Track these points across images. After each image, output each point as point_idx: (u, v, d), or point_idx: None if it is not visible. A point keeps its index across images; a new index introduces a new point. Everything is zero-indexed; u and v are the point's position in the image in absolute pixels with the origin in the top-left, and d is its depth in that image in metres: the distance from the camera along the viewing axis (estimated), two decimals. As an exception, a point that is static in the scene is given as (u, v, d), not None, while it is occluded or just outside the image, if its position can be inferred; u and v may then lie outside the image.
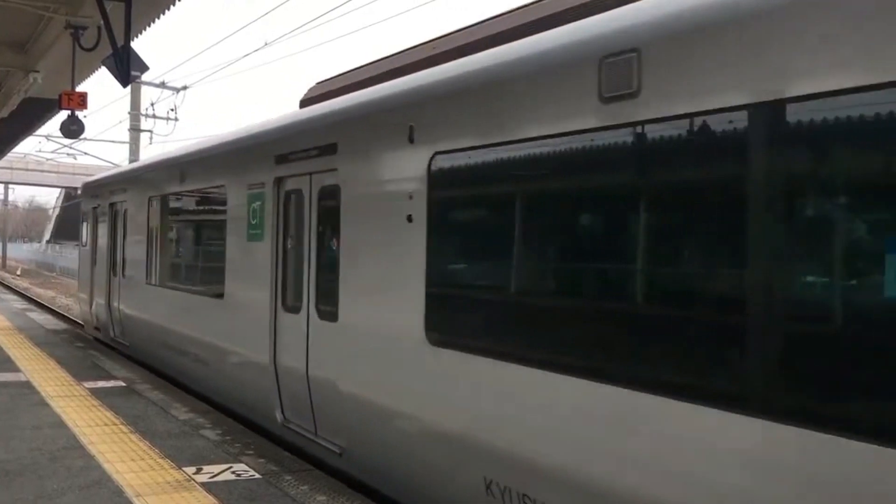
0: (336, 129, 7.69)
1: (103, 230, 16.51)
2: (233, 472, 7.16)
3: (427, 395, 6.18)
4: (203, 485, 6.76)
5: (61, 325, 19.96)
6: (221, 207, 10.31)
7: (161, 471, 7.15)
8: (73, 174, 70.49)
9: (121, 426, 8.80)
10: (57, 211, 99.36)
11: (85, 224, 18.39)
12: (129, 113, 30.15)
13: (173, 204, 12.87)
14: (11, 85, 18.34)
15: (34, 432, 8.38)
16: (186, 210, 12.50)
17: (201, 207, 11.84)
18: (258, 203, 9.12)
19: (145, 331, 13.65)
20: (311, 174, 8.10)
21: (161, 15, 13.46)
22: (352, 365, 7.23)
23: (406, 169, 6.44)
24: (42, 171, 67.52)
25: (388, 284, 6.69)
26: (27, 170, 66.59)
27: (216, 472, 7.17)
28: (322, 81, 9.80)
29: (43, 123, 26.11)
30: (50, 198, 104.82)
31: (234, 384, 9.87)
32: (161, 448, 7.90)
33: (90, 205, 17.86)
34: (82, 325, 19.60)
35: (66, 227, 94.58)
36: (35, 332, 17.39)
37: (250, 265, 9.30)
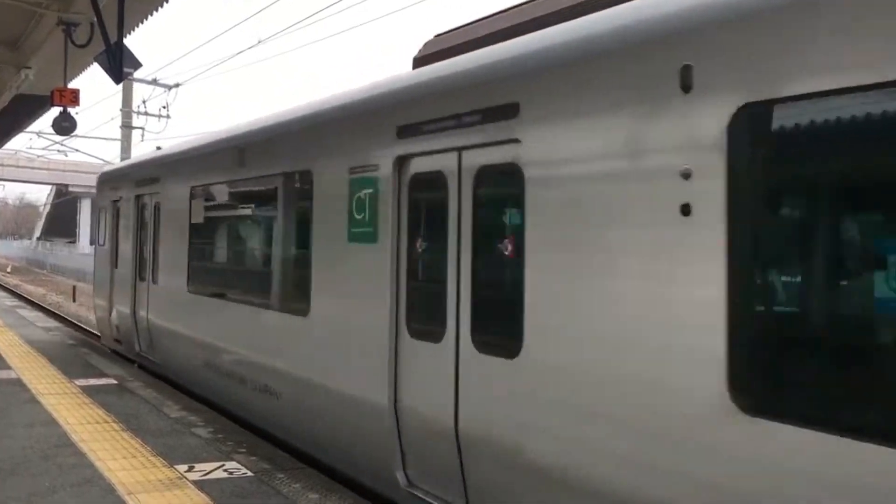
0: (518, 83, 5.38)
1: (127, 227, 14.13)
2: (225, 470, 7.16)
3: (738, 492, 3.89)
4: (195, 483, 6.76)
5: (52, 322, 19.89)
6: (304, 198, 8.08)
7: (153, 469, 7.15)
8: (64, 171, 70.38)
9: (112, 424, 8.78)
10: (48, 208, 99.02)
11: (102, 220, 16.07)
12: (120, 110, 30.06)
13: (228, 195, 10.44)
14: (3, 81, 18.26)
15: (26, 430, 8.35)
16: (248, 202, 9.96)
17: (270, 199, 9.28)
18: (368, 192, 6.89)
19: (185, 349, 11.29)
20: (461, 150, 5.90)
21: (154, 12, 13.42)
22: (557, 423, 4.95)
23: (675, 133, 4.27)
24: (33, 167, 67.33)
25: (634, 309, 4.48)
26: (18, 166, 66.38)
27: (208, 469, 7.16)
28: (441, 34, 7.71)
29: (34, 120, 26.02)
30: (41, 195, 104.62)
31: (323, 426, 7.61)
32: (153, 446, 7.89)
33: (109, 198, 15.47)
34: (98, 336, 17.45)
35: (57, 225, 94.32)
36: (26, 330, 17.32)
37: (353, 274, 7.07)
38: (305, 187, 8.05)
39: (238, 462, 7.43)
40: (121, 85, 23.22)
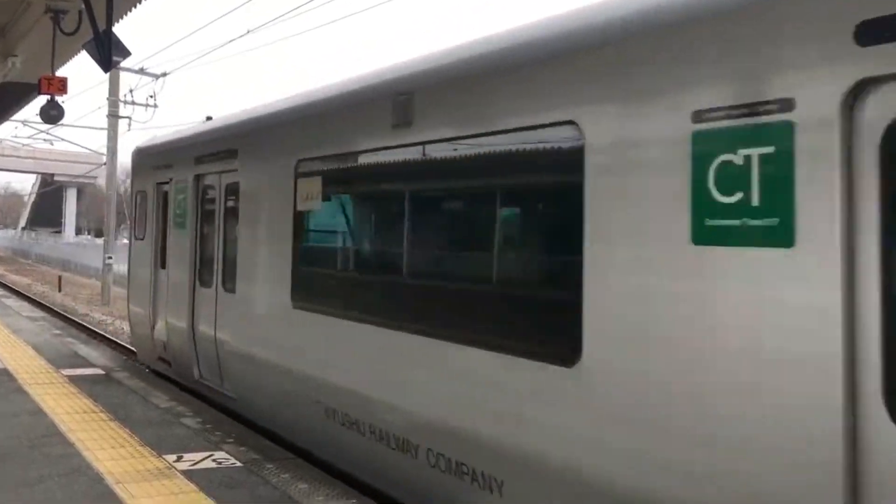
0: None
1: (181, 216, 10.95)
2: (213, 460, 7.15)
3: None
4: (184, 472, 6.76)
5: (38, 312, 19.80)
6: (557, 170, 5.17)
7: (141, 458, 7.13)
8: (50, 160, 69.90)
9: (100, 414, 8.75)
10: (33, 197, 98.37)
11: (142, 207, 12.73)
12: (107, 99, 29.87)
13: (376, 169, 7.03)
14: (-11, 69, 18.11)
15: (12, 420, 8.31)
16: (417, 179, 6.55)
17: (470, 173, 6.02)
18: (761, 152, 3.89)
19: (286, 386, 8.06)
20: None
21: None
22: None
23: None
24: (18, 156, 66.84)
25: None
26: (3, 155, 65.89)
27: (197, 459, 7.15)
28: None
29: (21, 108, 25.84)
30: (26, 184, 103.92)
31: None
32: (141, 436, 7.87)
33: (153, 179, 12.19)
34: (134, 352, 14.31)
35: (42, 214, 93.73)
36: (11, 320, 17.22)
37: (709, 301, 4.09)
38: (559, 150, 5.10)
39: (227, 452, 7.42)
40: (107, 74, 23.07)
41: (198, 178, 10.55)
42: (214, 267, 9.88)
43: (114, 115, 29.84)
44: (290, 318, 7.93)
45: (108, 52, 12.04)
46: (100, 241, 40.41)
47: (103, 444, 7.51)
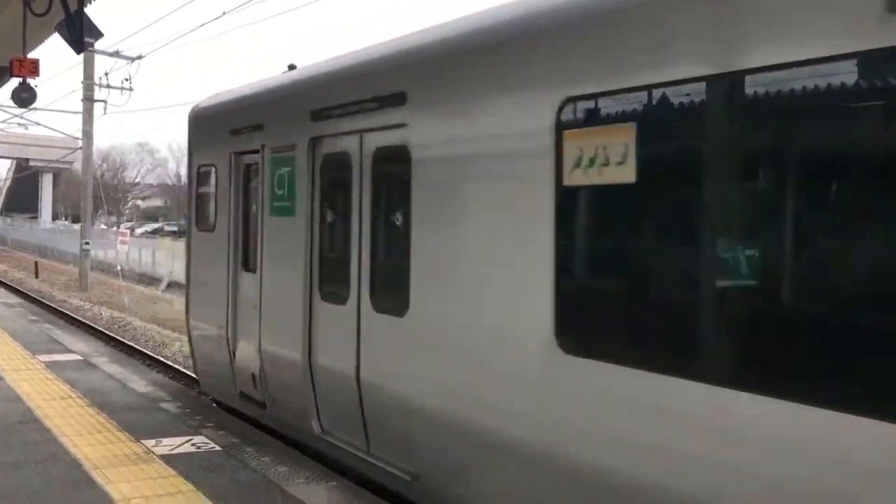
0: None
1: (286, 199, 7.63)
2: (192, 445, 7.12)
3: None
4: (162, 457, 6.72)
5: (14, 298, 19.60)
6: None
7: (119, 444, 7.08)
8: (25, 145, 68.99)
9: (77, 399, 8.68)
10: (8, 182, 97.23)
11: (208, 187, 9.52)
12: (82, 82, 29.46)
13: (826, 101, 3.50)
14: (-41, 51, 17.79)
15: (-12, 406, 8.24)
16: None
17: None
18: None
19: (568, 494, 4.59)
20: None
21: (116, -20, 13.13)
22: None
23: None
24: (-8, 141, 65.93)
25: None
26: (-24, 140, 64.94)
27: (176, 444, 7.11)
28: None
29: (-7, 92, 25.43)
30: (0, 169, 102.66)
31: None
32: (119, 421, 7.81)
33: (229, 149, 8.80)
34: (196, 381, 10.64)
35: (18, 200, 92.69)
36: (-13, 306, 17.06)
37: None
38: None
39: (206, 437, 7.38)
40: (81, 57, 22.76)
41: (316, 141, 7.24)
42: (353, 274, 6.62)
43: (89, 99, 29.44)
44: (554, 370, 4.71)
45: (80, 33, 11.87)
46: (77, 226, 40.00)
47: (80, 430, 7.45)
